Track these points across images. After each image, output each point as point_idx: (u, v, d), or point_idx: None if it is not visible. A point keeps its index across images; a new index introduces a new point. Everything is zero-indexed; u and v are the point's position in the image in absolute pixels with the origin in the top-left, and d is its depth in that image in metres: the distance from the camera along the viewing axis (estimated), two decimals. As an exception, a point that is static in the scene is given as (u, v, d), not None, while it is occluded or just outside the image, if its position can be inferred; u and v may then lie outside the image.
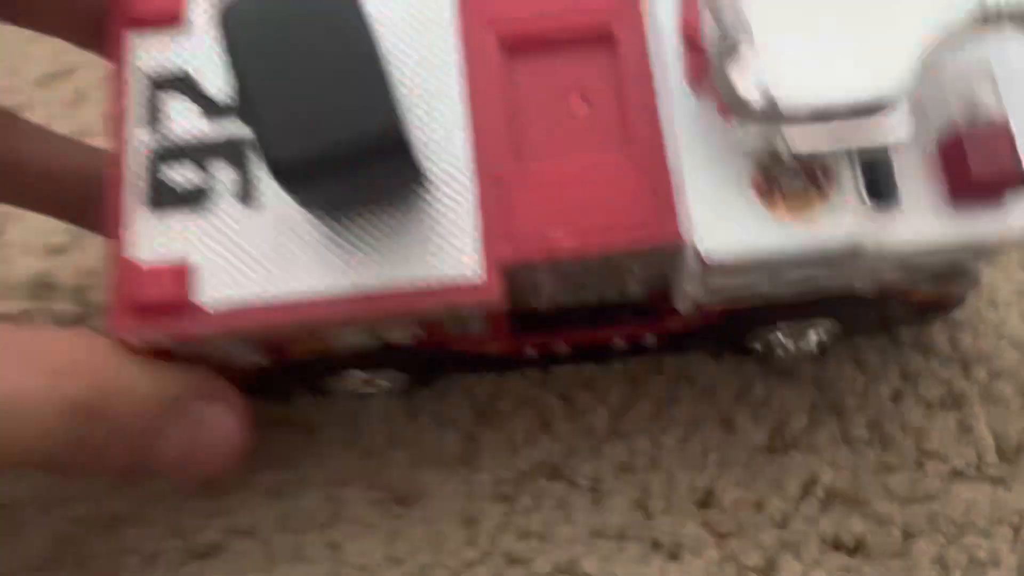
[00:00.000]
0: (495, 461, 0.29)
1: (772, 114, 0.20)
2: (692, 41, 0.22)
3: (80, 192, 0.26)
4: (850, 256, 0.22)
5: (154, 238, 0.22)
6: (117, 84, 0.23)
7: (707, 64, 0.21)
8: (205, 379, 0.24)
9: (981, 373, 0.30)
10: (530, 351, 0.28)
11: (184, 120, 0.23)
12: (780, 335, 0.29)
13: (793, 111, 0.20)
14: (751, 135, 0.22)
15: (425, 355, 0.27)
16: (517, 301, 0.25)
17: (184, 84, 0.23)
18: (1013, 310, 0.32)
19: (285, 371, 0.27)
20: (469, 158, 0.22)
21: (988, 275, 0.33)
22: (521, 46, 0.23)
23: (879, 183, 0.22)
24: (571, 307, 0.27)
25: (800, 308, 0.26)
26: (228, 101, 0.24)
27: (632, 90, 0.23)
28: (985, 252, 0.25)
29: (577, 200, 0.22)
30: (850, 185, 0.22)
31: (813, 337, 0.29)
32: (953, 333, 0.31)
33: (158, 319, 0.21)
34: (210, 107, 0.23)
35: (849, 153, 0.22)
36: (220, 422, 0.24)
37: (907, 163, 0.22)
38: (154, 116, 0.23)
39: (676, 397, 0.30)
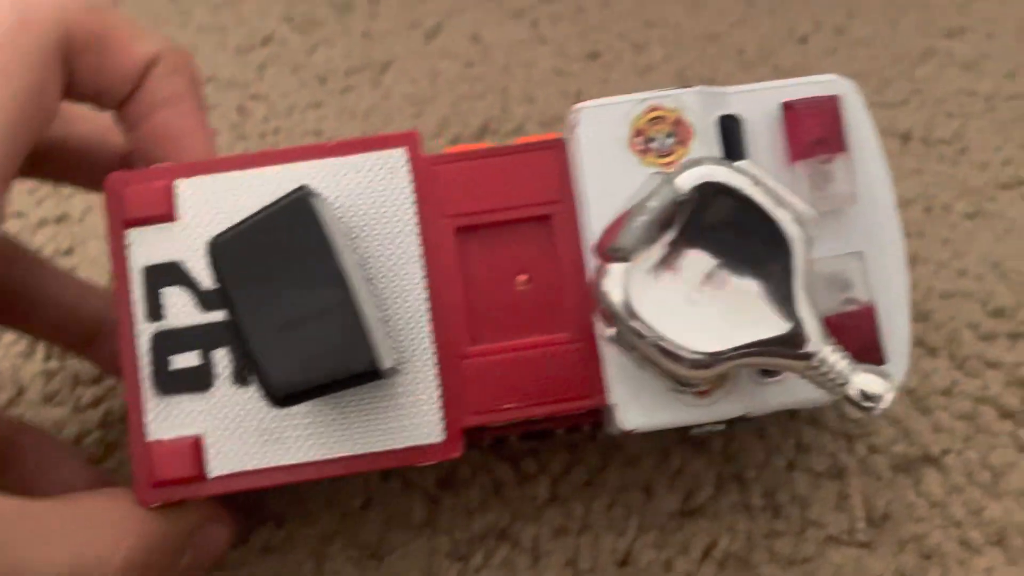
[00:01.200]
0: (454, 524, 0.34)
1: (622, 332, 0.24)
2: (597, 249, 0.26)
3: (86, 329, 0.29)
4: (735, 422, 0.27)
5: (165, 420, 0.26)
6: (118, 279, 0.26)
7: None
8: (206, 507, 0.28)
9: (861, 447, 0.35)
10: (486, 442, 0.33)
11: (180, 309, 0.26)
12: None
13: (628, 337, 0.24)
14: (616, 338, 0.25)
15: None
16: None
17: (177, 274, 0.26)
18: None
19: None
20: (431, 340, 0.26)
21: (881, 349, 0.38)
22: (473, 232, 0.27)
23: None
24: None
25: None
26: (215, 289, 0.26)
27: (567, 269, 0.27)
28: None
29: (522, 374, 0.26)
30: (745, 371, 0.26)
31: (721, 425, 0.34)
32: (842, 409, 0.36)
33: (175, 490, 0.26)
34: (201, 295, 0.26)
35: None
36: (220, 535, 0.29)
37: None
38: (154, 307, 0.26)
39: (607, 464, 0.35)
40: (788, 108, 0.27)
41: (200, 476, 0.26)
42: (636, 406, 0.26)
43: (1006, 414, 0.36)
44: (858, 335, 0.26)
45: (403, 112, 0.51)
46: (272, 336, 0.23)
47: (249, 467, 0.26)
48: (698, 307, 0.23)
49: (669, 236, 0.24)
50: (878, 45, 0.54)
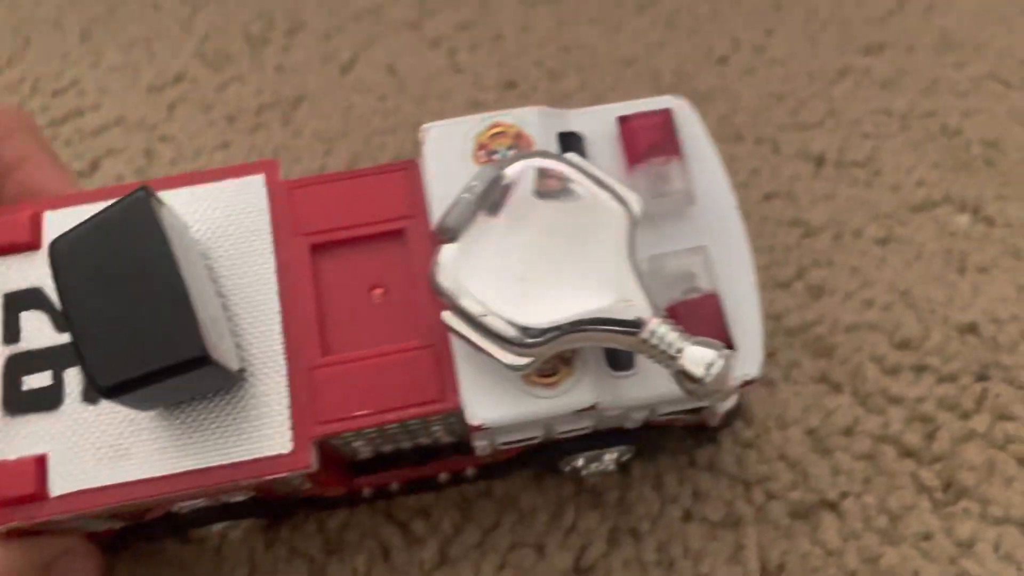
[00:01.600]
0: (341, 590, 0.33)
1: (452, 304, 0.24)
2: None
3: None
4: (595, 411, 0.26)
5: (12, 441, 0.26)
6: None
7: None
8: (66, 540, 0.27)
9: (759, 494, 0.34)
10: (367, 490, 0.32)
11: (37, 331, 0.27)
12: (581, 460, 0.33)
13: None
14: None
15: (271, 504, 0.31)
16: (345, 456, 0.29)
17: (37, 298, 0.27)
18: (798, 429, 0.36)
19: (146, 526, 0.31)
20: (282, 352, 0.26)
21: (783, 391, 0.37)
22: (328, 249, 0.27)
23: (619, 357, 0.27)
24: (398, 452, 0.31)
25: (592, 440, 0.31)
26: None
27: (422, 280, 0.26)
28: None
29: (375, 382, 0.26)
30: (592, 360, 0.26)
31: (609, 459, 0.33)
32: (741, 454, 0.35)
33: (16, 510, 0.25)
34: (58, 317, 0.27)
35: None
36: (82, 569, 0.28)
37: None
38: (11, 331, 0.27)
39: (500, 522, 0.34)
40: (623, 120, 0.29)
41: (41, 495, 0.25)
42: (483, 401, 0.26)
43: (906, 453, 0.35)
44: (703, 321, 0.26)
45: (313, 150, 0.50)
46: (102, 329, 0.23)
47: (94, 484, 0.25)
48: (528, 284, 0.24)
49: (499, 218, 0.24)
50: (796, 64, 0.53)
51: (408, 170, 0.28)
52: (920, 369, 0.37)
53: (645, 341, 0.24)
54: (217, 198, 0.28)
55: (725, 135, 0.49)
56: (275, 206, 0.28)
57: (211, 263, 0.27)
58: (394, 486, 0.32)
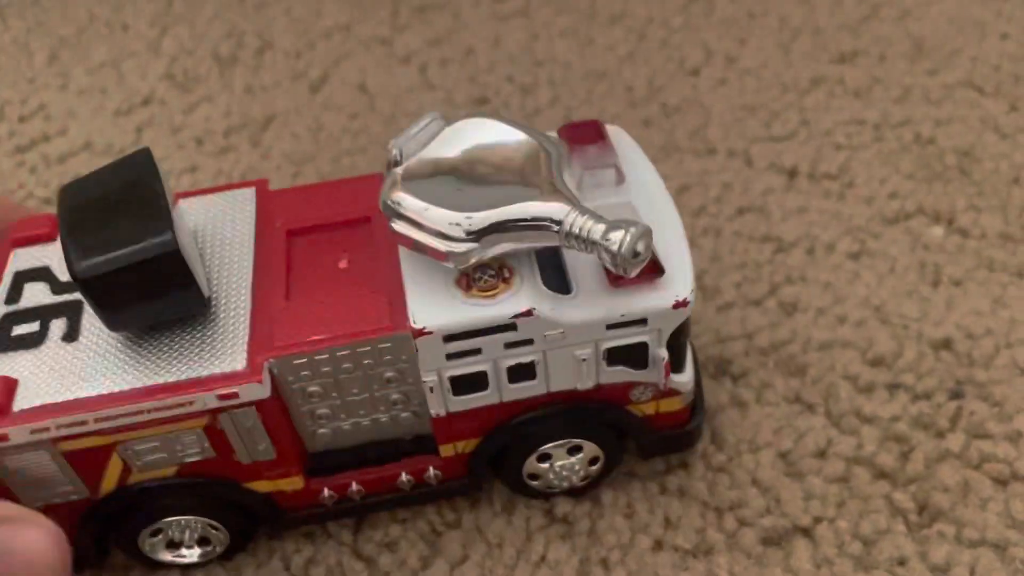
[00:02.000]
0: (308, 628, 0.33)
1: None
2: None
3: None
4: (533, 324, 0.28)
5: None
6: None
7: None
8: (11, 506, 0.24)
9: (730, 521, 0.34)
10: (328, 495, 0.32)
11: (35, 295, 0.30)
12: (546, 463, 0.32)
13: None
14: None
15: (228, 497, 0.31)
16: (307, 444, 0.31)
17: (43, 273, 0.31)
18: (770, 452, 0.35)
19: (106, 520, 0.31)
20: (248, 296, 0.29)
21: (754, 412, 0.36)
22: (304, 232, 0.32)
23: (556, 280, 0.29)
24: (359, 448, 0.32)
25: (550, 424, 0.31)
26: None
27: (383, 252, 0.30)
28: (653, 330, 0.29)
29: (333, 317, 0.28)
30: (531, 277, 0.28)
31: (576, 465, 0.33)
32: (713, 479, 0.35)
33: None
34: (58, 286, 0.30)
35: (530, 258, 0.29)
36: (32, 546, 0.23)
37: (579, 269, 0.29)
38: (13, 296, 0.30)
39: (468, 555, 0.33)
40: (561, 130, 0.33)
41: (5, 409, 0.27)
42: (428, 310, 0.28)
43: (880, 474, 0.34)
44: None
45: (282, 172, 0.49)
46: (88, 235, 0.26)
47: (54, 400, 0.27)
48: (464, 194, 0.27)
49: (440, 149, 0.29)
50: (768, 75, 0.53)
51: (378, 178, 0.32)
52: (894, 387, 0.37)
53: (568, 232, 0.26)
54: (215, 203, 0.33)
55: (697, 148, 0.48)
56: (261, 206, 0.33)
57: (201, 241, 0.32)
58: (355, 489, 0.31)
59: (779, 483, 0.34)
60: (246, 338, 0.28)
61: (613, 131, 0.33)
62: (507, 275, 0.28)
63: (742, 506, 0.34)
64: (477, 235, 0.27)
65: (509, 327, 0.28)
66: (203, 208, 0.33)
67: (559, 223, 0.26)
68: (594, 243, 0.26)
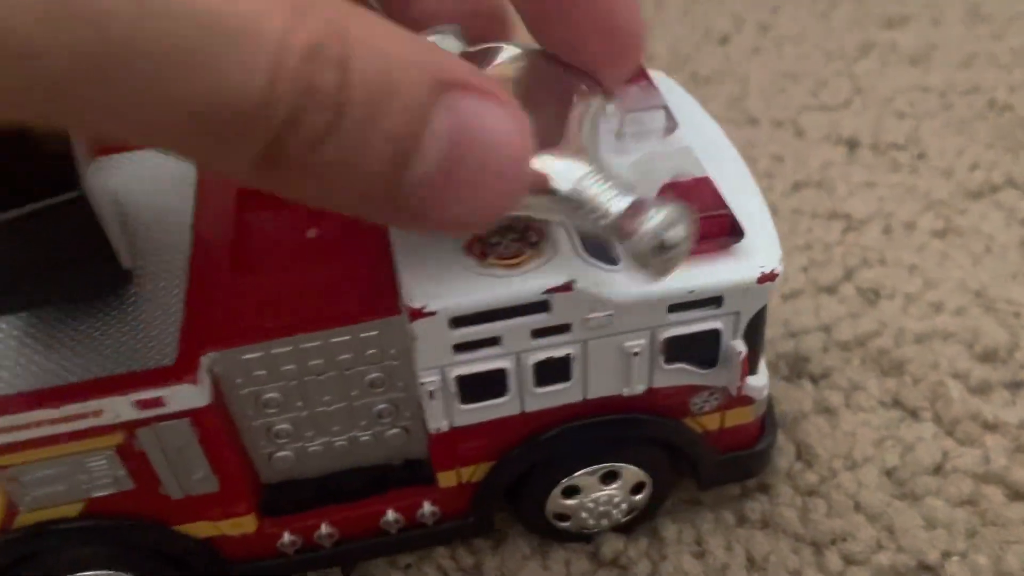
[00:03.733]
0: None
1: None
2: None
3: None
4: (571, 303, 0.20)
5: None
6: None
7: None
8: (470, 70, 0.16)
9: (834, 559, 0.25)
10: (289, 540, 0.23)
11: None
12: (577, 498, 0.24)
13: None
14: None
15: (152, 545, 0.22)
16: (261, 472, 0.23)
17: None
18: (872, 469, 0.27)
19: None
20: (183, 276, 0.21)
21: (846, 420, 0.29)
22: (259, 196, 0.22)
23: (597, 247, 0.21)
24: (331, 478, 0.24)
25: (588, 452, 0.23)
26: None
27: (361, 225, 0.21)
28: (729, 313, 0.22)
29: (297, 297, 0.21)
30: (565, 242, 0.21)
31: (615, 496, 0.25)
32: (805, 504, 0.27)
33: None
34: None
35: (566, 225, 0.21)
36: (498, 128, 0.15)
37: None
38: None
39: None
40: None
41: None
42: (429, 282, 0.20)
43: (1017, 494, 0.26)
44: (701, 203, 0.21)
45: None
46: None
47: None
48: None
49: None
50: (808, 42, 0.46)
51: None
52: (1015, 386, 0.29)
53: (569, 198, 0.17)
54: (146, 161, 0.25)
55: (736, 119, 0.41)
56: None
57: (126, 205, 0.24)
58: (325, 532, 0.23)
59: (891, 509, 0.26)
60: (178, 324, 0.20)
61: (656, 76, 0.26)
62: (534, 239, 0.21)
63: (847, 539, 0.26)
64: None
65: (540, 307, 0.20)
66: (130, 167, 0.25)
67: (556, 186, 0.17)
68: (603, 217, 0.17)
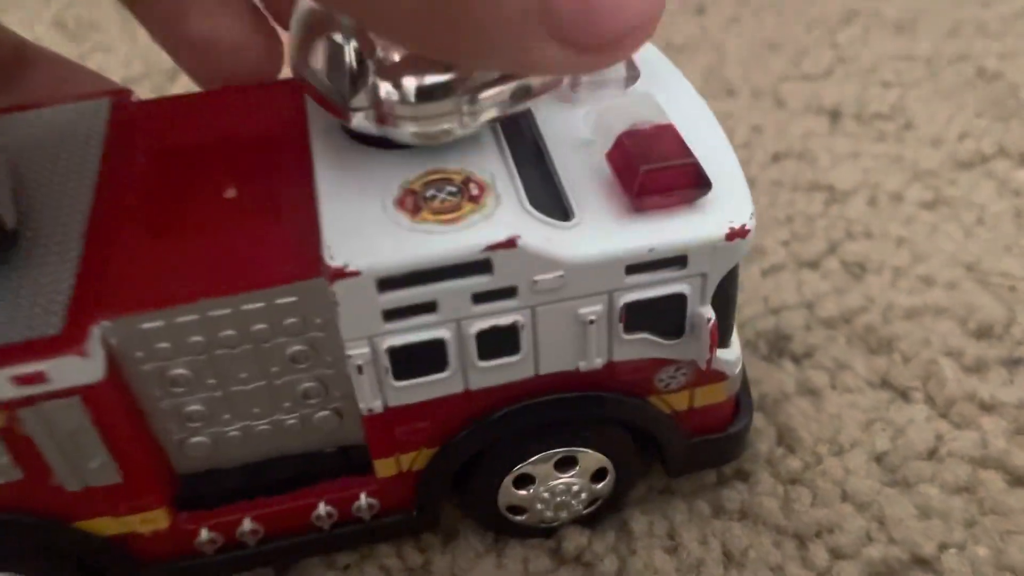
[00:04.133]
0: None
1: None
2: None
3: None
4: (517, 263, 0.18)
5: None
6: None
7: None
8: None
9: (820, 553, 0.23)
10: (208, 538, 0.20)
11: None
12: (531, 487, 0.22)
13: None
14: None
15: (46, 544, 0.19)
16: (174, 461, 0.20)
17: None
18: (861, 454, 0.25)
19: None
20: (78, 238, 0.19)
21: (831, 402, 0.26)
22: (173, 154, 0.22)
23: (546, 200, 0.19)
24: (254, 467, 0.21)
25: (542, 435, 0.21)
26: None
27: (290, 178, 0.20)
28: (695, 275, 0.19)
29: (205, 259, 0.19)
30: (510, 195, 0.18)
31: (576, 486, 0.22)
32: (787, 493, 0.24)
33: None
34: None
35: (508, 169, 0.19)
36: None
37: (579, 184, 0.19)
38: None
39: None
40: None
41: None
42: (353, 239, 0.18)
43: (1018, 480, 0.24)
44: (665, 150, 0.19)
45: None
46: None
47: None
48: None
49: None
50: (788, 10, 0.44)
51: (291, 87, 0.23)
52: (1013, 363, 0.27)
53: None
54: (46, 119, 0.23)
55: (713, 90, 0.39)
56: (116, 122, 0.23)
57: (16, 164, 0.21)
58: (249, 529, 0.20)
59: (881, 497, 0.24)
60: (69, 290, 0.18)
61: None
62: (475, 192, 0.19)
63: (834, 531, 0.23)
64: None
65: (481, 266, 0.18)
66: (26, 125, 0.23)
67: None
68: None
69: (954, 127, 0.35)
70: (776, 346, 0.28)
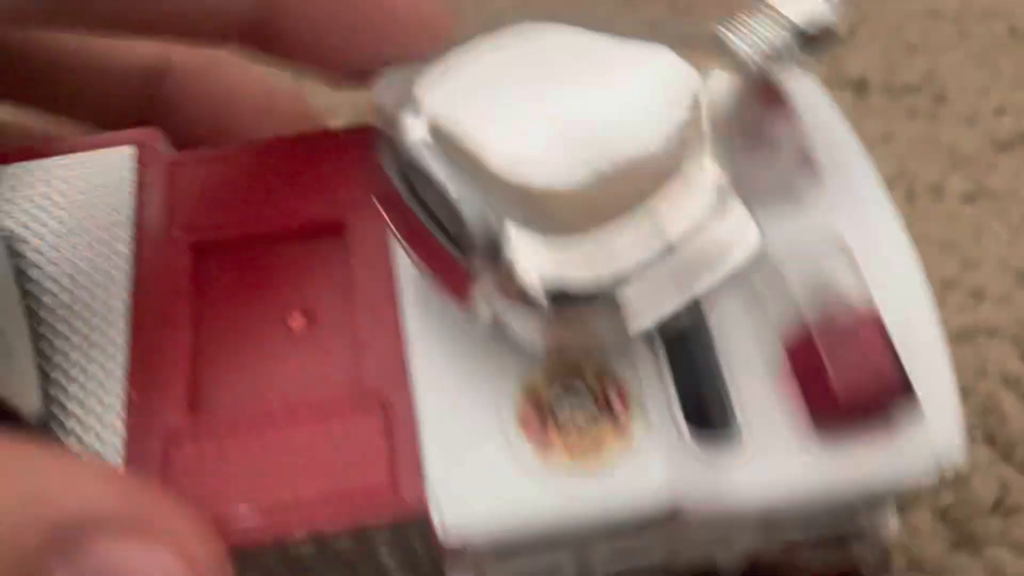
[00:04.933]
0: None
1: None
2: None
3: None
4: (666, 519, 0.14)
5: None
6: None
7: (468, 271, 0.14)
8: (138, 493, 0.13)
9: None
10: None
11: None
12: None
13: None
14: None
15: None
16: None
17: None
18: (919, 507, 0.23)
19: None
20: (120, 419, 0.15)
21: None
22: (220, 251, 0.17)
23: (706, 408, 0.15)
24: None
25: None
26: None
27: (370, 300, 0.16)
28: (879, 499, 0.16)
29: (278, 461, 0.15)
30: (661, 410, 0.14)
31: None
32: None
33: None
34: None
35: (657, 366, 0.15)
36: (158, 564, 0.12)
37: (747, 379, 0.15)
38: None
39: None
40: None
41: None
42: (469, 491, 0.14)
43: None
44: (862, 356, 0.14)
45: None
46: None
47: None
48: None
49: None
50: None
51: (358, 138, 0.18)
52: (1076, 393, 0.25)
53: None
54: (66, 179, 0.18)
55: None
56: (145, 187, 0.18)
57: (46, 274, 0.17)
58: None
59: (945, 560, 0.22)
60: None
61: (797, 85, 0.18)
62: (617, 407, 0.14)
63: (905, 607, 0.21)
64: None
65: (626, 531, 0.14)
66: (51, 193, 0.18)
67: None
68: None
69: (990, 100, 0.32)
70: (821, 379, 0.25)
